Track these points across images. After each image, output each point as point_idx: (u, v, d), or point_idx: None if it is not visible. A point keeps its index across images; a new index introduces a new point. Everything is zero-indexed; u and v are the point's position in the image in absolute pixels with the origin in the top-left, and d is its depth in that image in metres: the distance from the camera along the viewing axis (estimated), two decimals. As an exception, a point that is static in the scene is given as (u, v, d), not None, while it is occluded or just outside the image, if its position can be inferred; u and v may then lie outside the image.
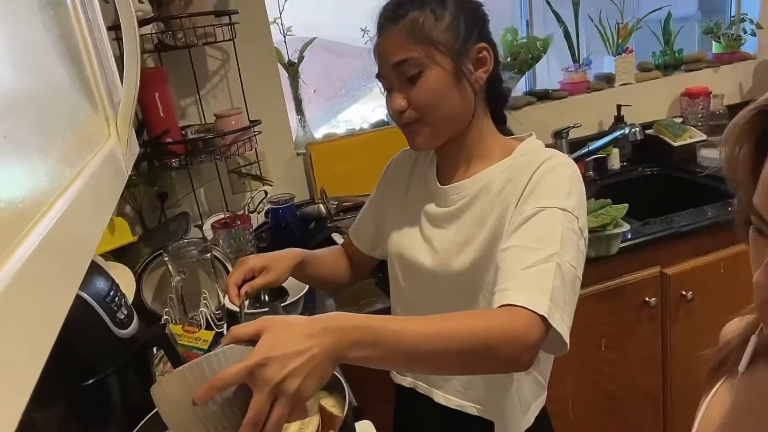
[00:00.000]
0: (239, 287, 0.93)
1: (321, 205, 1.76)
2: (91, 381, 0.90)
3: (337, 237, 1.62)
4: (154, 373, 1.04)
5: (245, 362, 0.56)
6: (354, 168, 1.90)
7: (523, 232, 0.77)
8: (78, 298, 0.90)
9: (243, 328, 0.60)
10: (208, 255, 1.30)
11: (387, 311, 1.37)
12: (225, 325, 1.28)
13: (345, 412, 0.75)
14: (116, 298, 0.98)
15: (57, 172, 0.37)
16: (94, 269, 1.00)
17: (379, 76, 0.89)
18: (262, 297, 1.12)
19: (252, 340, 0.59)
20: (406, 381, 1.03)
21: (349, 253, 1.15)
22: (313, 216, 1.77)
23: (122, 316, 0.97)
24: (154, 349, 1.07)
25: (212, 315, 1.34)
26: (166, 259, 1.27)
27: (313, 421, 0.79)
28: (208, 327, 1.27)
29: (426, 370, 0.84)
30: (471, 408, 0.93)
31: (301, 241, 1.65)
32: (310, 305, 1.41)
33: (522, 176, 0.83)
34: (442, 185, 0.93)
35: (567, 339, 0.70)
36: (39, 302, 0.29)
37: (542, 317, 0.67)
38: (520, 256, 0.74)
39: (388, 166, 1.09)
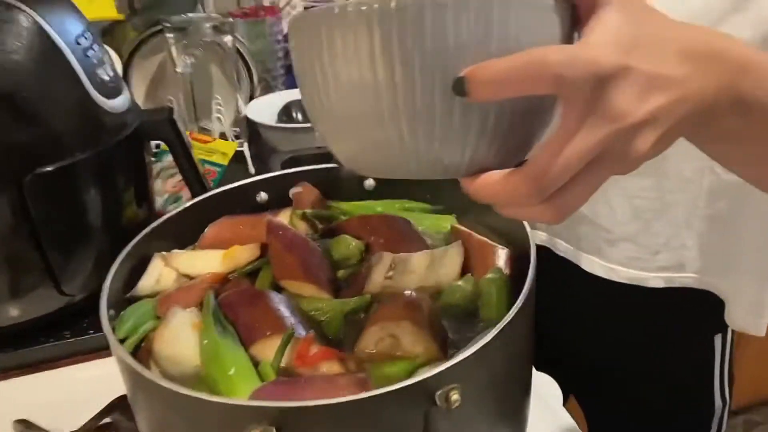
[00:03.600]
0: None
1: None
2: (50, 167, 0.53)
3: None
4: (150, 184, 0.68)
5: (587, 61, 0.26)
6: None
7: None
8: (39, 30, 0.52)
9: None
10: (229, 38, 0.89)
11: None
12: (246, 144, 0.92)
13: (530, 239, 0.41)
14: (94, 46, 0.59)
15: None
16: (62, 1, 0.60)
17: None
18: None
19: None
20: (538, 236, 0.68)
21: None
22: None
23: (106, 77, 0.59)
24: (153, 145, 0.70)
25: (229, 131, 0.97)
26: (170, 36, 0.87)
27: (451, 255, 0.45)
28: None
29: None
30: (656, 279, 0.59)
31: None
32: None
33: None
34: None
35: None
36: None
37: None
38: None
39: None
